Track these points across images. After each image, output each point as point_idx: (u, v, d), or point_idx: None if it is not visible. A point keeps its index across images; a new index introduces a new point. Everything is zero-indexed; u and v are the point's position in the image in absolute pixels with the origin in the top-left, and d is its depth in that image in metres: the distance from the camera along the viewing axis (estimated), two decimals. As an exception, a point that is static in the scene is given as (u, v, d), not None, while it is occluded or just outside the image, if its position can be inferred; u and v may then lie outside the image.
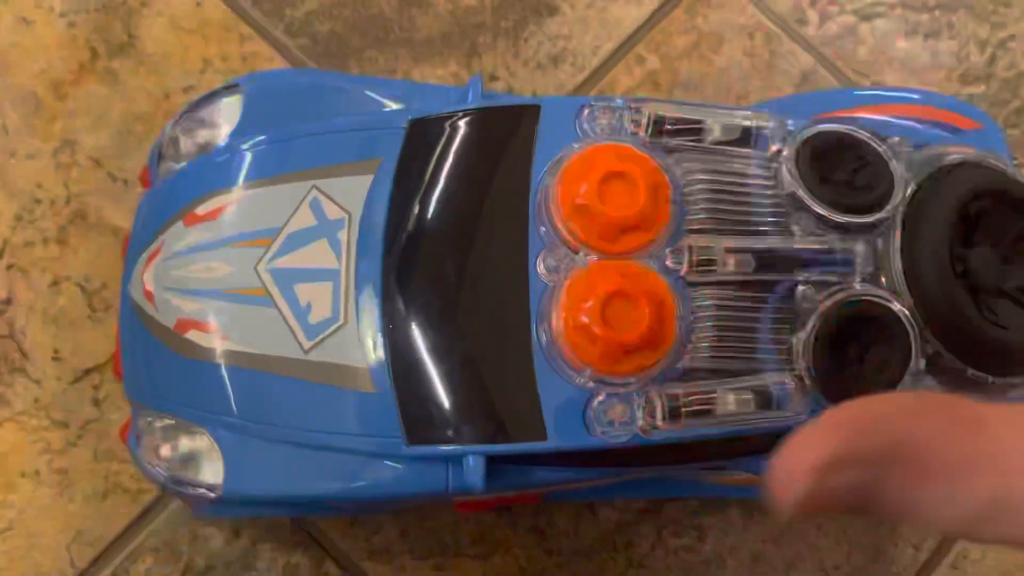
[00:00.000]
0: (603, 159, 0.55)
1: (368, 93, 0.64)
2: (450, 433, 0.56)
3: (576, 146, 0.56)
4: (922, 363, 0.55)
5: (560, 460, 0.57)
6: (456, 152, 0.59)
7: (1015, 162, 0.67)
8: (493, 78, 0.82)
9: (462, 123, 0.60)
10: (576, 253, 0.54)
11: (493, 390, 0.55)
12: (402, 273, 0.57)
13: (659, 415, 0.53)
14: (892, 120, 0.65)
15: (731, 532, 0.75)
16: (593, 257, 0.54)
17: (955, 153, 0.59)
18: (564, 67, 0.83)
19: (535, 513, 0.74)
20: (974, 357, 0.55)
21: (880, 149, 0.58)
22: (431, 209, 0.58)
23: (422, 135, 0.60)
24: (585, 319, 0.52)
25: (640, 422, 0.53)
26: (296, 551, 0.72)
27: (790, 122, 0.58)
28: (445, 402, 0.56)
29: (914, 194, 0.57)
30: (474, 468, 0.55)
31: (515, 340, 0.55)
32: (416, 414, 0.56)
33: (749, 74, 0.84)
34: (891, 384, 0.54)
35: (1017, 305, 0.56)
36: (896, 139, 0.59)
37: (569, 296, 0.53)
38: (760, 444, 0.59)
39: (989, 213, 0.57)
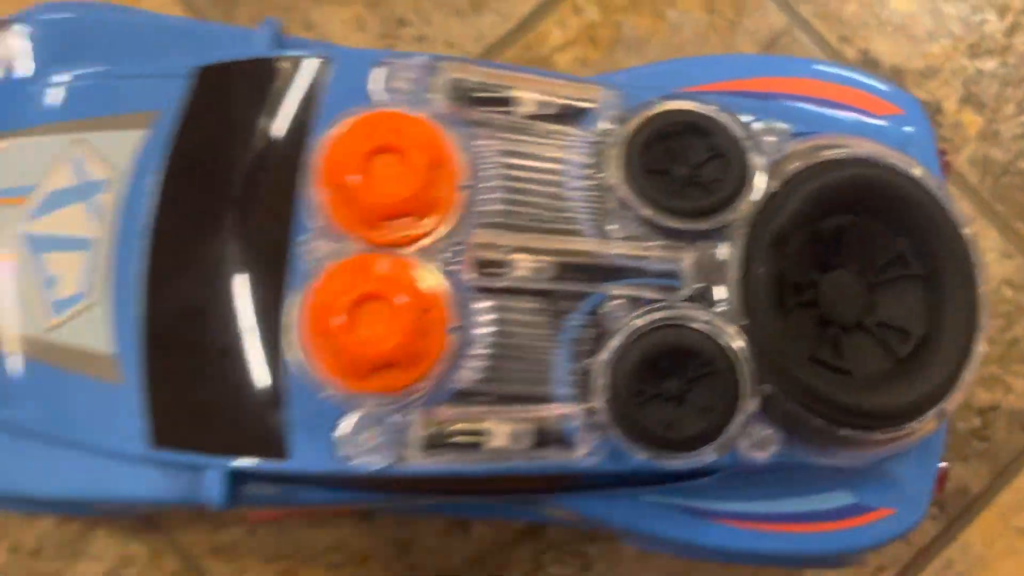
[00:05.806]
0: (374, 130, 0.46)
1: (162, 35, 0.55)
2: (194, 438, 0.48)
3: (354, 111, 0.47)
4: (753, 406, 0.44)
5: (322, 480, 0.49)
6: (239, 110, 0.51)
7: (945, 157, 0.54)
8: (402, 23, 0.72)
9: (247, 75, 0.51)
10: (340, 240, 0.46)
11: (241, 395, 0.48)
12: (171, 248, 0.50)
13: (413, 445, 0.45)
14: (767, 102, 0.52)
15: (622, 565, 0.66)
16: (357, 247, 0.46)
17: (838, 147, 0.47)
18: (487, 15, 0.72)
19: (399, 524, 0.66)
20: (817, 406, 0.45)
21: (738, 136, 0.46)
22: (207, 176, 0.50)
23: (206, 87, 0.51)
24: (330, 324, 0.44)
25: (395, 450, 0.45)
26: (133, 539, 0.65)
27: (634, 96, 0.48)
28: (194, 402, 0.49)
29: (771, 196, 0.45)
30: (211, 482, 0.47)
31: (269, 339, 0.47)
32: (162, 412, 0.49)
33: (706, 34, 0.72)
34: (714, 431, 0.44)
35: (878, 344, 0.45)
36: (766, 125, 0.48)
37: (316, 294, 0.45)
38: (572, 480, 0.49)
39: (857, 228, 0.46)
